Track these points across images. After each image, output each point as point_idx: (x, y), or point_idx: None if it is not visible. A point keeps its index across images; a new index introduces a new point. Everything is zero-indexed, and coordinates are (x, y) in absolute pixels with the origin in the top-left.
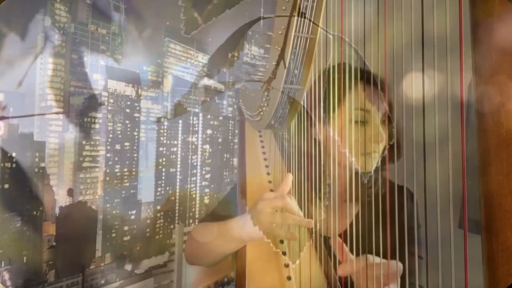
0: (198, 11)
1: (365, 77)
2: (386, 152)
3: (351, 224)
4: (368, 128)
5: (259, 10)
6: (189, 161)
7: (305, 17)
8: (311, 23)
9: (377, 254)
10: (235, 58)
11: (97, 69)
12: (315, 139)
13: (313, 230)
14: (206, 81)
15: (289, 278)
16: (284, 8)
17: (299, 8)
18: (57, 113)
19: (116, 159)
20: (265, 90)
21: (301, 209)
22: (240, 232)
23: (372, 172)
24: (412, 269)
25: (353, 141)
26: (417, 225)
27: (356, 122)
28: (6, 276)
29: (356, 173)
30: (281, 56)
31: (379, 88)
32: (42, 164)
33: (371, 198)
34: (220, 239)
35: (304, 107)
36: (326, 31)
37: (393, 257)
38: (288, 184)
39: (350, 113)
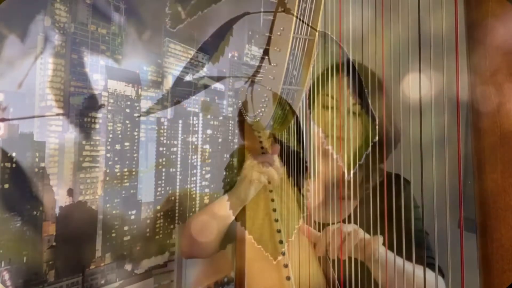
0: (182, 5)
1: (347, 68)
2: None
3: (349, 216)
4: (334, 114)
5: (259, 10)
6: (189, 161)
7: (299, 19)
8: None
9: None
10: (221, 54)
11: (97, 69)
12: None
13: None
14: (198, 80)
15: (288, 278)
16: (281, 9)
17: (294, 8)
18: (57, 114)
19: (116, 159)
20: (249, 87)
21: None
22: (229, 198)
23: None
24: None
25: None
26: (415, 206)
27: (326, 108)
28: (6, 276)
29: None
30: (265, 53)
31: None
32: (42, 164)
33: (370, 191)
34: (212, 214)
35: (303, 107)
36: (312, 27)
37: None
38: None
39: (323, 99)
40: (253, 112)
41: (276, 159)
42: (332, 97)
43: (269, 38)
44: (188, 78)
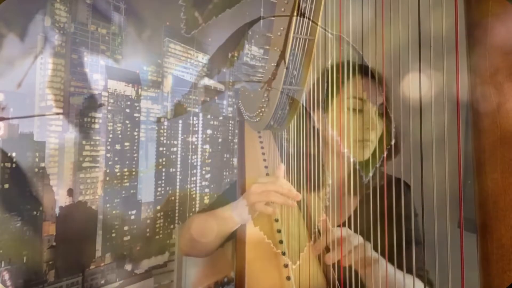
0: (198, 11)
1: (363, 70)
2: (385, 152)
3: (349, 218)
4: (362, 116)
5: (258, 11)
6: (189, 161)
7: (304, 17)
8: (310, 25)
9: (376, 247)
10: (236, 58)
11: (97, 69)
12: (314, 129)
13: (312, 230)
14: (206, 81)
15: (288, 278)
16: (283, 9)
17: (299, 9)
18: (57, 113)
19: (116, 159)
20: (265, 91)
21: (300, 208)
22: (232, 213)
23: (371, 170)
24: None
25: (347, 129)
26: (414, 214)
27: (352, 110)
28: (6, 276)
29: (356, 168)
30: (282, 57)
31: (376, 81)
32: (42, 164)
33: (370, 191)
34: (214, 222)
35: (303, 107)
36: (325, 30)
37: (391, 247)
38: (280, 170)
39: (347, 102)
40: (274, 118)
41: (279, 184)
42: (360, 99)
43: (286, 41)
44: (196, 80)
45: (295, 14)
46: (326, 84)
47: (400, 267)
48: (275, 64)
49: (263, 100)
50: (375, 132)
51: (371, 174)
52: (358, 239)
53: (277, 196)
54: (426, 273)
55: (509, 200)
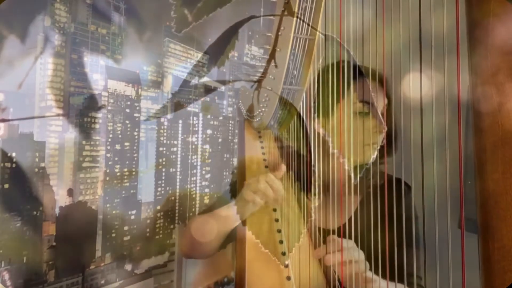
0: (188, 9)
1: (363, 73)
2: (385, 153)
3: (350, 219)
4: (369, 120)
5: (259, 11)
6: (189, 161)
7: (302, 20)
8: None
9: (376, 248)
10: (227, 58)
11: (97, 69)
12: (315, 130)
13: (312, 229)
14: (199, 80)
15: (288, 278)
16: (283, 9)
17: (294, 8)
18: (57, 115)
19: (116, 159)
20: (256, 90)
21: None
22: (228, 210)
23: (371, 165)
24: (411, 261)
25: (354, 133)
26: (415, 216)
27: (357, 113)
28: (6, 276)
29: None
30: (272, 55)
31: (377, 82)
32: (42, 164)
33: (370, 190)
34: (214, 221)
35: (303, 107)
36: (319, 32)
37: (391, 250)
38: (281, 172)
39: (351, 107)
40: (258, 115)
41: (277, 180)
42: (366, 102)
43: (276, 40)
44: (189, 78)
45: (286, 14)
46: (327, 88)
47: (399, 269)
48: (273, 64)
49: (263, 100)
50: (382, 135)
51: (361, 175)
52: (358, 254)
53: (266, 187)
54: (420, 279)
55: (511, 200)
